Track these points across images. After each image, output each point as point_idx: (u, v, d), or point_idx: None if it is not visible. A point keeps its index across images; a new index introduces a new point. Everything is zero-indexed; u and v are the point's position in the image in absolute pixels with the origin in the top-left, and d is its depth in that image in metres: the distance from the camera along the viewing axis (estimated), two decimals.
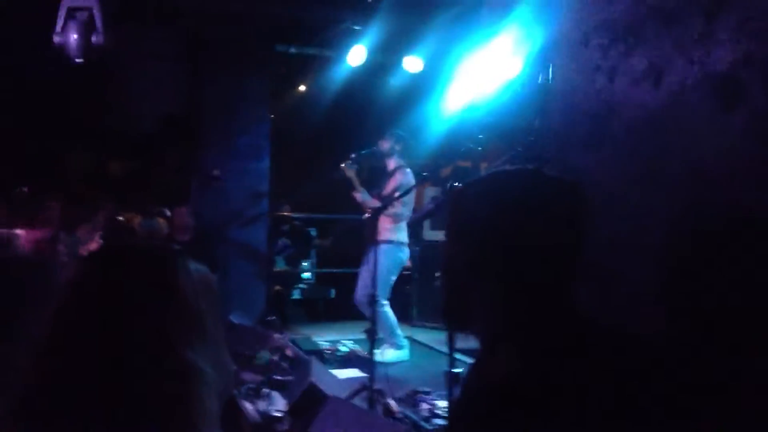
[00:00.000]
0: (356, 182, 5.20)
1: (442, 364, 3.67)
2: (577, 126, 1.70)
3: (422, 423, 3.77)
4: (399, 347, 5.25)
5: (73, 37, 4.37)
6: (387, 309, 5.20)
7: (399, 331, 5.28)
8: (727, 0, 1.23)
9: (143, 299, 0.92)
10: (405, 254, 5.30)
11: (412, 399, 4.19)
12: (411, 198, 5.27)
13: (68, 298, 0.94)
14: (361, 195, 5.23)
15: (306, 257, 7.77)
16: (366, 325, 4.34)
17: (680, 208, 1.34)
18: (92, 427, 0.85)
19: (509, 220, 1.06)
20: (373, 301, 4.22)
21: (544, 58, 2.06)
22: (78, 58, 4.40)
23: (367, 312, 5.07)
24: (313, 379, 4.11)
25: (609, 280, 1.42)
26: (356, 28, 5.73)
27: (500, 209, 1.08)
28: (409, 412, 3.91)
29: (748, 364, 1.22)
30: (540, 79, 1.93)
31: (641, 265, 1.39)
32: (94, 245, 4.64)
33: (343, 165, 5.15)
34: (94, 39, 4.42)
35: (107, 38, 4.44)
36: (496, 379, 1.12)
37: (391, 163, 5.30)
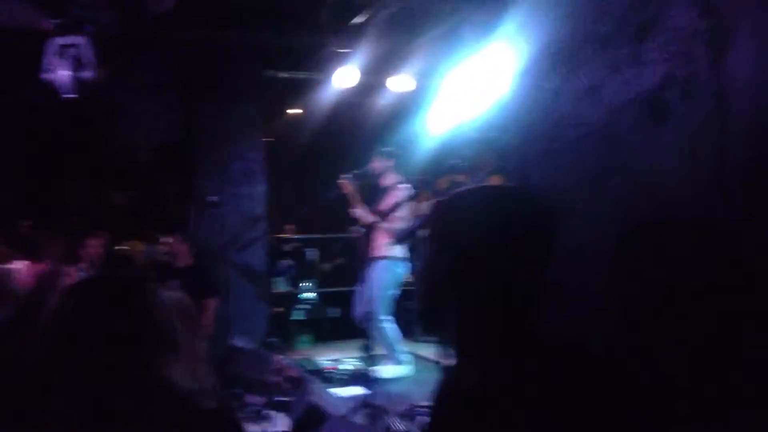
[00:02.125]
0: (354, 197, 5.26)
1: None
2: (531, 143, 1.78)
3: None
4: (400, 363, 5.27)
5: (63, 73, 4.49)
6: (386, 325, 5.23)
7: (400, 347, 5.30)
8: (653, 25, 1.31)
9: (116, 323, 1.02)
10: (402, 269, 5.33)
11: (412, 413, 4.23)
12: (407, 213, 5.30)
13: (50, 326, 1.05)
14: (360, 211, 5.28)
15: (308, 278, 7.82)
16: (364, 341, 4.40)
17: (621, 218, 1.41)
18: None
19: (488, 234, 1.10)
20: (369, 317, 4.27)
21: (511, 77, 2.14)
22: (68, 93, 4.51)
23: (365, 327, 5.12)
24: (314, 398, 4.16)
25: (558, 290, 1.49)
26: (343, 51, 5.83)
27: (480, 223, 1.12)
28: (409, 426, 3.95)
29: (699, 366, 1.27)
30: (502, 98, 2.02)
31: (587, 274, 1.46)
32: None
33: (342, 180, 5.22)
34: (83, 74, 4.53)
35: (97, 73, 4.55)
36: (462, 390, 1.17)
37: (387, 180, 5.36)
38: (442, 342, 1.29)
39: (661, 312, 1.31)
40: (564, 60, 1.61)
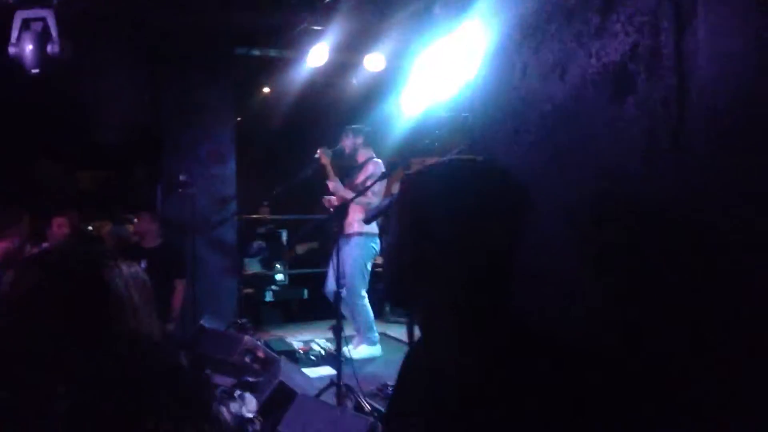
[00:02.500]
0: (330, 170, 5.23)
1: None
2: (499, 121, 1.77)
3: None
4: (373, 343, 5.29)
5: (28, 47, 4.38)
6: (365, 302, 5.24)
7: (374, 326, 5.32)
8: None
9: (74, 293, 1.02)
10: (377, 244, 5.32)
11: (381, 392, 4.26)
12: (381, 188, 5.30)
13: (8, 299, 1.04)
14: (334, 183, 5.25)
15: (279, 259, 7.80)
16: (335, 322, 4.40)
17: (583, 198, 1.41)
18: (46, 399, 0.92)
19: (456, 207, 1.09)
20: (339, 295, 4.27)
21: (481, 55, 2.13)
22: (34, 68, 4.40)
23: (336, 304, 5.11)
24: (283, 378, 4.16)
25: (525, 273, 1.48)
26: (316, 28, 5.76)
27: (448, 196, 1.11)
28: (378, 405, 3.98)
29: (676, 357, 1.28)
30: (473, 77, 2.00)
31: (549, 255, 1.46)
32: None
33: (319, 151, 5.17)
34: (49, 49, 4.42)
35: (63, 48, 4.44)
36: (446, 370, 1.17)
37: (361, 156, 5.34)
38: (410, 319, 1.29)
39: (620, 297, 1.32)
40: (531, 35, 1.59)
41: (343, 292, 5.03)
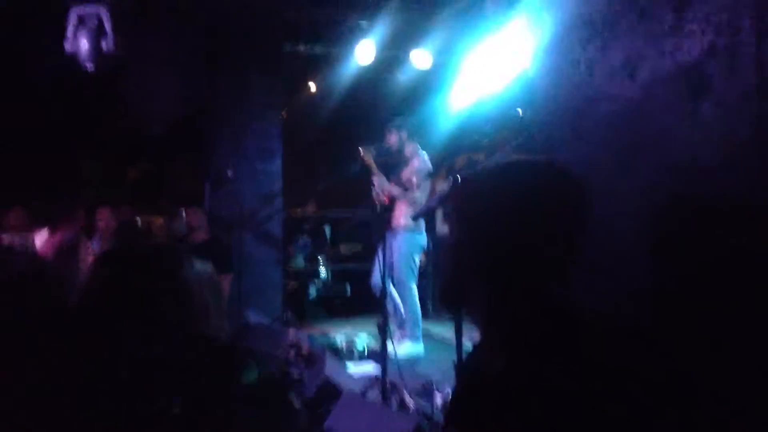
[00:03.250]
0: (374, 167, 5.22)
1: (454, 356, 3.69)
2: (559, 119, 1.73)
3: (435, 414, 3.81)
4: (417, 339, 5.26)
5: (84, 44, 4.48)
6: (415, 293, 5.22)
7: (420, 324, 5.30)
8: None
9: (149, 293, 1.01)
10: (424, 238, 5.28)
11: (425, 391, 4.23)
12: (427, 184, 5.26)
13: (83, 296, 1.04)
14: (378, 180, 5.24)
15: (323, 254, 7.85)
16: (379, 318, 4.39)
17: (653, 198, 1.37)
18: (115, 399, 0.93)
19: (515, 210, 1.08)
20: (385, 291, 4.27)
21: (534, 51, 2.09)
22: (89, 64, 4.51)
23: (382, 298, 5.11)
24: (328, 374, 4.18)
25: (589, 272, 1.45)
26: (362, 24, 5.76)
27: (507, 198, 1.09)
28: (422, 404, 3.96)
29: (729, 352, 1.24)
30: (527, 73, 1.96)
31: (619, 256, 1.42)
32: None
33: (361, 150, 5.16)
34: (104, 45, 4.52)
35: (117, 44, 4.53)
36: (488, 372, 1.15)
37: (407, 150, 5.31)
38: (468, 320, 1.27)
39: (694, 294, 1.27)
40: (598, 32, 1.55)
41: (389, 286, 5.03)
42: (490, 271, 1.11)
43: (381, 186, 5.21)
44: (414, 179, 5.07)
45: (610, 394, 0.99)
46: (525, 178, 1.12)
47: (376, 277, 5.19)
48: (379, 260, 5.10)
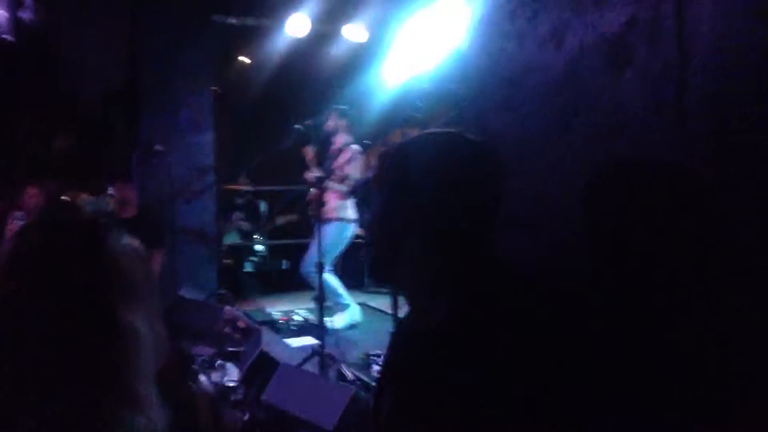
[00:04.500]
0: (312, 162, 5.26)
1: (392, 327, 3.77)
2: (491, 92, 1.78)
3: (374, 384, 3.87)
4: (346, 305, 5.32)
5: (1, 15, 4.25)
6: (326, 276, 5.27)
7: (342, 292, 5.35)
8: None
9: (75, 268, 0.96)
10: (350, 231, 5.36)
11: (363, 362, 4.30)
12: (357, 174, 5.31)
13: (3, 271, 0.98)
14: (312, 174, 5.27)
15: (259, 230, 7.78)
16: (316, 293, 4.41)
17: (586, 158, 1.43)
18: (31, 389, 0.90)
19: (437, 177, 1.13)
20: (319, 271, 4.32)
21: (468, 25, 2.12)
22: (7, 35, 4.29)
23: (313, 282, 5.14)
24: (265, 347, 4.18)
25: (528, 231, 1.51)
26: None
27: (433, 166, 1.14)
28: (360, 374, 4.02)
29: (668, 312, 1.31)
30: (465, 46, 1.99)
31: (558, 216, 1.49)
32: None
33: (298, 126, 5.14)
34: (23, 15, 4.30)
35: (38, 14, 4.33)
36: (427, 328, 1.18)
37: (338, 140, 5.34)
38: (397, 289, 1.30)
39: (630, 248, 1.35)
40: (527, 3, 1.59)
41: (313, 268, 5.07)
42: (412, 240, 1.15)
43: (313, 178, 5.23)
44: (345, 170, 5.14)
45: (542, 346, 1.03)
46: (445, 145, 1.17)
47: (308, 263, 5.20)
48: (310, 248, 5.16)
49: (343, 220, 5.24)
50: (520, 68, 1.65)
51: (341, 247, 5.35)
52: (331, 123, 5.30)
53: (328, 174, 5.16)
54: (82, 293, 0.95)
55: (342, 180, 5.19)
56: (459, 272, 1.14)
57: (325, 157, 5.40)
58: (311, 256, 5.10)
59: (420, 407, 1.12)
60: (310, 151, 5.27)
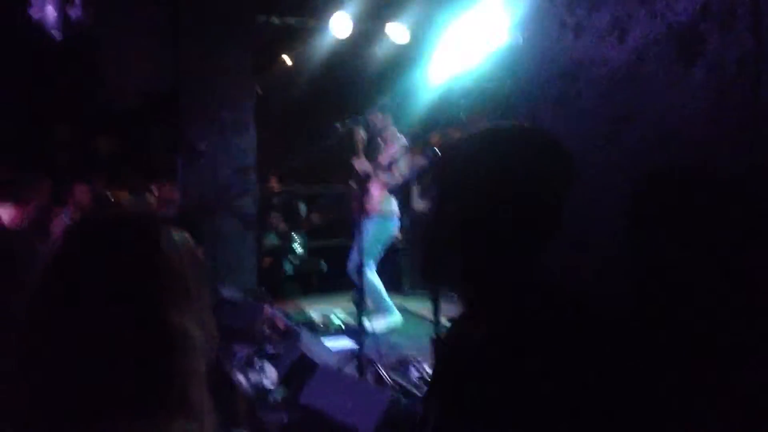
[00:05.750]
0: (361, 147, 5.20)
1: (431, 332, 3.70)
2: (545, 85, 1.69)
3: (411, 388, 3.81)
4: (388, 313, 5.27)
5: (50, 11, 4.33)
6: (371, 276, 5.22)
7: (386, 296, 5.30)
8: None
9: (125, 266, 0.92)
10: (394, 225, 5.29)
11: (402, 366, 4.23)
12: (406, 166, 5.25)
13: (49, 270, 0.94)
14: (361, 161, 5.23)
15: (297, 231, 7.79)
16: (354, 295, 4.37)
17: (641, 169, 1.34)
18: (81, 396, 0.85)
19: (495, 176, 1.06)
20: (360, 270, 4.26)
21: (516, 21, 2.05)
22: (56, 32, 4.36)
23: (356, 282, 5.09)
24: (304, 349, 4.15)
25: (573, 244, 1.42)
26: None
27: (487, 165, 1.07)
28: (399, 378, 3.96)
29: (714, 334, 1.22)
30: (513, 42, 1.92)
31: (605, 228, 1.40)
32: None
33: (354, 126, 5.11)
34: (72, 13, 4.37)
35: (86, 12, 4.39)
36: (470, 344, 1.13)
37: (387, 134, 5.30)
38: (449, 291, 1.25)
39: (680, 268, 1.26)
40: None
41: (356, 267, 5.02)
42: (472, 243, 1.09)
43: (361, 166, 5.19)
44: (392, 164, 5.07)
45: (589, 369, 0.98)
46: (504, 143, 1.10)
47: (353, 263, 5.17)
48: (355, 245, 5.10)
49: (386, 214, 5.16)
50: (576, 63, 1.56)
51: (382, 244, 5.28)
52: (377, 119, 5.25)
53: (375, 166, 5.11)
54: (133, 296, 0.91)
55: (389, 172, 5.11)
56: (513, 280, 1.08)
57: (372, 150, 5.34)
58: (356, 254, 5.06)
59: (469, 415, 1.07)
60: (360, 135, 5.18)
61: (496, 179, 1.06)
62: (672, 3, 1.26)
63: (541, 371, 0.98)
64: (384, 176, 5.11)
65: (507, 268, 1.08)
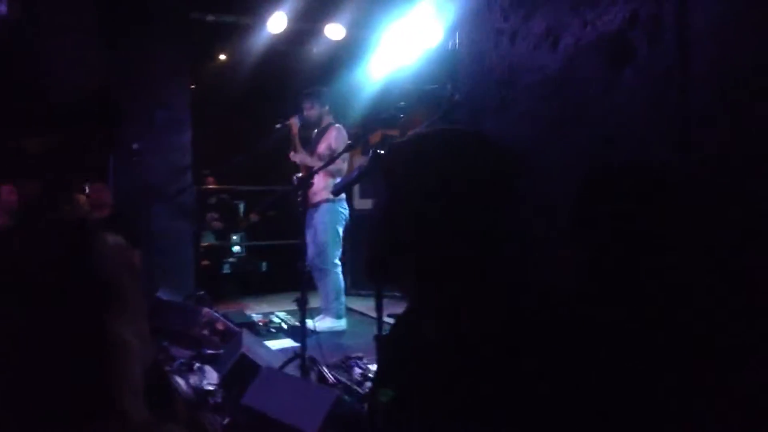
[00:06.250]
0: (298, 141, 5.15)
1: (374, 330, 3.72)
2: (484, 90, 1.74)
3: (355, 387, 3.83)
4: (338, 316, 5.25)
5: None
6: (339, 270, 5.19)
7: (343, 300, 5.29)
8: None
9: (56, 274, 0.89)
10: (345, 209, 5.25)
11: (345, 365, 4.25)
12: (348, 155, 5.23)
13: None
14: (301, 155, 5.18)
15: (235, 231, 7.69)
16: (297, 295, 4.35)
17: (580, 166, 1.40)
18: (16, 403, 0.83)
19: (446, 177, 1.07)
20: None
21: (453, 24, 2.09)
22: None
23: (317, 277, 5.06)
24: (245, 350, 4.10)
25: (523, 245, 1.47)
26: None
27: (438, 165, 1.08)
28: (342, 377, 3.97)
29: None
30: (449, 45, 1.96)
31: (549, 225, 1.45)
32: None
33: (292, 120, 5.06)
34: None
35: (11, 9, 4.21)
36: (418, 341, 1.14)
37: (324, 121, 5.26)
38: (396, 291, 1.25)
39: (622, 260, 1.31)
40: (521, 3, 1.56)
41: (316, 260, 5.00)
42: (419, 241, 1.10)
43: (302, 161, 5.15)
44: (331, 150, 5.03)
45: (587, 369, 1.00)
46: (454, 144, 1.11)
47: (311, 256, 5.13)
48: (309, 237, 5.05)
49: (334, 200, 5.12)
50: (513, 68, 1.61)
51: (340, 228, 5.23)
52: (313, 110, 5.21)
53: (316, 157, 5.07)
54: (65, 303, 0.89)
55: (330, 158, 5.08)
56: (458, 282, 1.09)
57: (310, 141, 5.31)
58: (311, 248, 5.02)
59: (424, 404, 1.08)
60: (295, 125, 5.13)
61: (447, 179, 1.07)
62: (602, 12, 1.32)
63: (537, 371, 0.98)
64: (326, 164, 5.08)
65: (456, 266, 1.09)
